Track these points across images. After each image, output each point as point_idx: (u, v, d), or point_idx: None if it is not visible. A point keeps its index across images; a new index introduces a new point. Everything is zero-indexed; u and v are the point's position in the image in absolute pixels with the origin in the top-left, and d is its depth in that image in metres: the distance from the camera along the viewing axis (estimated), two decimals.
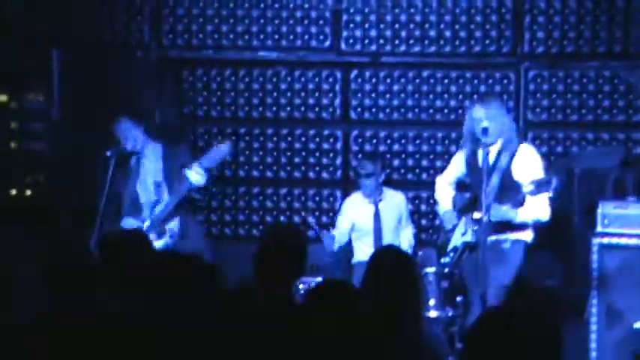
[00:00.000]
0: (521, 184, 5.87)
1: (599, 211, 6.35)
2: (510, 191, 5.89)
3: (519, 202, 5.95)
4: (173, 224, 6.34)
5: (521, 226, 6.12)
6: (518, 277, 6.20)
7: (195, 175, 6.19)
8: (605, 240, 6.30)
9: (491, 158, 6.07)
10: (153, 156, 6.49)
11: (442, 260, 6.32)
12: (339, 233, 7.10)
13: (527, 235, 6.20)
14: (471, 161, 6.21)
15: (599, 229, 6.33)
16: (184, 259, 3.88)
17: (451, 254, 6.22)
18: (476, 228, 5.99)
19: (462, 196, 6.39)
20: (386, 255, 4.25)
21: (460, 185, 6.51)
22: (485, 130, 5.99)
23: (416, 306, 4.03)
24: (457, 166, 6.40)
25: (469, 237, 6.13)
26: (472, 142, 6.17)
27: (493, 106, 6.13)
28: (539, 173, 6.00)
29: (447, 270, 6.34)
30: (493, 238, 6.01)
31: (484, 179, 5.93)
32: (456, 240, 6.26)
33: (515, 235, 6.14)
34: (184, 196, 6.33)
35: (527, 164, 6.05)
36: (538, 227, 6.22)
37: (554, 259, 7.22)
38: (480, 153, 6.11)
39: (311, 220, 7.21)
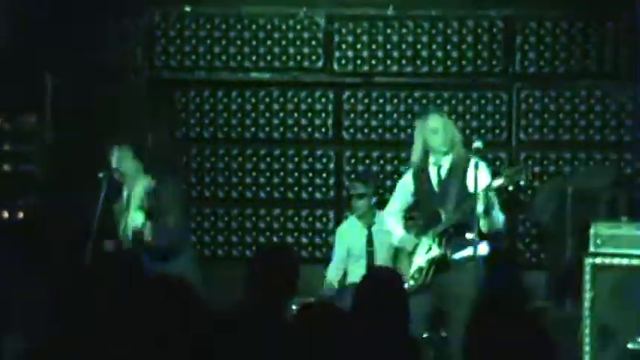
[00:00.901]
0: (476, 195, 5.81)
1: (591, 231, 6.36)
2: (466, 204, 5.85)
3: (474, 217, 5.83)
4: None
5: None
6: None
7: (135, 217, 6.28)
8: (598, 260, 6.30)
9: (444, 172, 6.09)
10: (138, 195, 6.44)
11: (407, 285, 5.96)
12: (334, 270, 7.10)
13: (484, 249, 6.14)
14: (423, 178, 6.13)
15: (591, 249, 6.34)
16: (167, 281, 3.92)
17: (416, 275, 6.08)
18: (460, 248, 5.98)
19: (420, 217, 6.26)
20: (377, 275, 4.29)
21: (406, 216, 6.43)
22: (446, 142, 6.00)
23: (404, 324, 4.08)
24: (403, 191, 6.28)
25: (436, 252, 6.03)
26: (423, 157, 6.11)
27: (445, 116, 6.19)
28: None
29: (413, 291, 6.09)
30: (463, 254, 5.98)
31: (450, 193, 5.93)
32: (419, 260, 6.13)
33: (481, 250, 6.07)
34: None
35: (480, 176, 5.91)
36: (493, 240, 6.20)
37: (546, 280, 7.27)
38: (434, 168, 6.09)
39: None
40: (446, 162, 6.09)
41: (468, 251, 5.89)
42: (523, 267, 7.66)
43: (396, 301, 4.09)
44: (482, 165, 6.02)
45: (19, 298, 6.25)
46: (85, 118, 7.40)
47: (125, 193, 6.52)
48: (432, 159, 6.11)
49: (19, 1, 7.38)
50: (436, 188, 6.09)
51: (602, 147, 7.61)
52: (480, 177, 5.87)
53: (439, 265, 6.03)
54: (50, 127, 7.40)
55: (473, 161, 5.92)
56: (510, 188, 5.88)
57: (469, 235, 5.92)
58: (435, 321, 6.29)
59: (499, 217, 6.02)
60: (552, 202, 7.09)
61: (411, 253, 6.19)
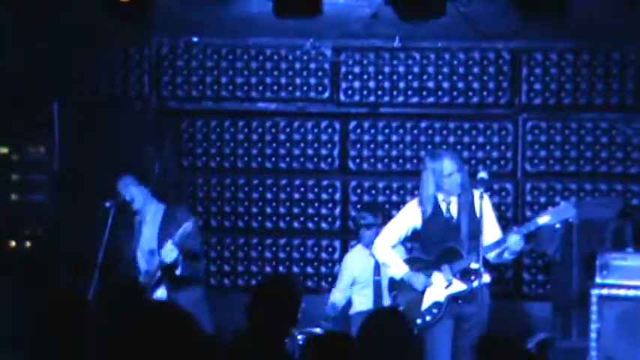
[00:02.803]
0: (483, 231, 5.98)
1: (597, 262, 6.49)
2: (476, 240, 5.95)
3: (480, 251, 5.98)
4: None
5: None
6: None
7: (168, 252, 6.29)
8: (604, 291, 6.40)
9: (454, 209, 6.20)
10: (152, 222, 6.54)
11: (421, 320, 6.19)
12: (339, 295, 7.16)
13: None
14: (434, 215, 6.21)
15: (597, 280, 6.45)
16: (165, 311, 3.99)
17: (434, 310, 6.17)
18: (473, 277, 6.10)
19: (428, 252, 6.30)
20: (381, 316, 4.34)
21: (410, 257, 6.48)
22: (461, 184, 6.11)
23: None
24: (405, 224, 6.32)
25: (458, 288, 6.16)
26: (435, 196, 6.20)
27: (457, 157, 6.30)
28: (495, 220, 6.20)
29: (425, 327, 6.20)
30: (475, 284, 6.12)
31: (463, 230, 6.06)
32: (436, 295, 6.21)
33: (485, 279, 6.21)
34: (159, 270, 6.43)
35: (488, 212, 6.15)
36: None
37: (552, 310, 7.31)
38: (443, 204, 6.21)
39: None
40: (454, 198, 6.22)
41: (476, 281, 6.04)
42: (529, 298, 7.71)
43: (401, 344, 4.10)
44: (486, 197, 6.14)
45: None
46: (92, 147, 7.51)
47: (137, 220, 6.59)
48: (441, 196, 6.23)
49: (25, 30, 7.46)
50: (448, 224, 6.19)
51: (609, 178, 7.68)
52: (484, 208, 6.00)
53: (459, 298, 6.15)
54: (58, 156, 7.50)
55: (478, 192, 6.05)
56: (557, 226, 6.04)
57: (474, 266, 6.06)
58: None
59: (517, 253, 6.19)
60: (558, 234, 7.12)
61: (418, 291, 6.25)
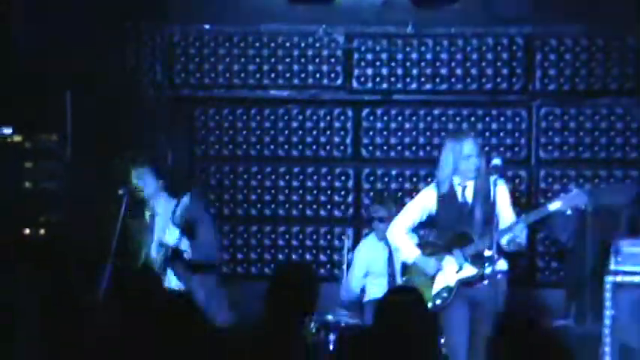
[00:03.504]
0: (501, 218, 6.06)
1: (612, 248, 6.43)
2: (489, 226, 6.01)
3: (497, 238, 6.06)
4: None
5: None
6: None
7: (169, 234, 6.33)
8: (619, 278, 6.34)
9: (469, 194, 6.23)
10: (164, 214, 6.53)
11: (431, 304, 6.16)
12: (354, 283, 7.22)
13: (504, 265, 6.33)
14: (449, 199, 6.26)
15: (612, 267, 6.39)
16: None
17: (444, 295, 6.20)
18: (485, 262, 6.14)
19: (440, 236, 6.35)
20: (398, 294, 4.37)
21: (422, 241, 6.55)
22: (477, 167, 6.15)
23: (429, 345, 4.14)
24: (421, 208, 6.37)
25: (469, 273, 6.19)
26: (452, 178, 6.24)
27: (478, 142, 6.33)
28: (510, 207, 6.23)
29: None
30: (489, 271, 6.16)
31: (477, 215, 6.10)
32: (447, 279, 6.25)
33: (501, 266, 6.26)
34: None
35: (503, 199, 6.19)
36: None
37: (566, 298, 7.33)
38: (459, 189, 6.25)
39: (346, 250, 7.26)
40: (470, 183, 6.25)
41: (489, 267, 6.09)
42: (543, 285, 7.73)
43: (420, 323, 4.11)
44: (501, 182, 6.19)
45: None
46: (104, 135, 7.51)
47: (147, 212, 6.63)
48: (457, 180, 6.26)
49: (39, 19, 7.50)
50: (462, 209, 6.23)
51: (623, 164, 7.68)
52: (498, 195, 6.04)
53: (470, 282, 6.18)
54: (71, 144, 7.47)
55: (492, 179, 6.08)
56: (568, 213, 6.06)
57: (488, 253, 6.11)
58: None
59: (525, 239, 6.23)
60: (572, 220, 7.12)
61: (429, 275, 6.29)
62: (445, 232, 6.31)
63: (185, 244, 6.37)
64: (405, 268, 6.45)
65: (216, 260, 6.71)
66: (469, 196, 6.25)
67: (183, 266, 6.44)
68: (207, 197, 7.66)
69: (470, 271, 6.20)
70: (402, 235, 6.42)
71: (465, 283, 6.21)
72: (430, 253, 6.33)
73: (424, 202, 6.38)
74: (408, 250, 6.39)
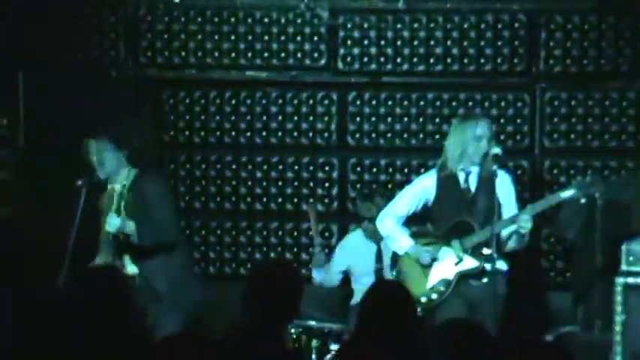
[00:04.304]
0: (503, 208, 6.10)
1: (623, 247, 6.45)
2: (491, 218, 5.98)
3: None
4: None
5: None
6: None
7: (110, 220, 6.36)
8: (631, 280, 6.37)
9: (472, 181, 6.22)
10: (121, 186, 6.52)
11: (426, 298, 6.21)
12: (332, 273, 7.20)
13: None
14: (450, 184, 6.24)
15: (623, 267, 6.42)
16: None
17: (441, 288, 6.17)
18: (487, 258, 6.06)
19: (441, 225, 6.30)
20: (383, 287, 4.48)
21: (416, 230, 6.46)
22: (486, 152, 6.12)
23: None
24: (419, 195, 6.33)
25: (469, 265, 6.14)
26: (458, 162, 6.21)
27: (490, 126, 6.30)
28: (514, 203, 6.25)
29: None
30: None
31: (479, 203, 6.11)
32: (444, 272, 6.21)
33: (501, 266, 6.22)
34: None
35: (507, 192, 6.21)
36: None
37: (573, 302, 7.30)
38: (461, 174, 6.23)
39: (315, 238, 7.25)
40: (474, 169, 6.21)
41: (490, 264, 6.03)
42: (548, 287, 7.70)
43: (403, 318, 4.14)
44: (504, 174, 6.23)
45: None
46: (61, 121, 7.45)
47: (108, 193, 6.56)
48: (461, 164, 6.21)
49: None
50: (464, 196, 6.22)
51: (636, 154, 7.63)
52: (501, 187, 6.05)
53: (470, 276, 6.14)
54: (24, 130, 7.44)
55: (500, 173, 6.11)
56: (583, 201, 6.07)
57: (487, 251, 6.08)
58: None
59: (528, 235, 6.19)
60: (580, 216, 7.09)
61: (425, 266, 6.27)
62: (443, 221, 6.25)
63: (130, 228, 6.32)
64: (396, 259, 6.43)
65: (176, 239, 6.57)
66: (472, 183, 6.22)
67: (135, 253, 6.40)
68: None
69: (470, 263, 6.15)
70: (393, 224, 6.37)
71: (464, 278, 6.13)
72: (425, 244, 6.28)
73: (422, 188, 6.34)
74: (400, 240, 6.34)
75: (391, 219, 6.38)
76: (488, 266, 6.07)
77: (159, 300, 6.33)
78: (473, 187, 6.22)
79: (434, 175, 6.31)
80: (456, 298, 6.14)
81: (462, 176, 6.23)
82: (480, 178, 6.19)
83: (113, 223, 6.34)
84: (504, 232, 6.12)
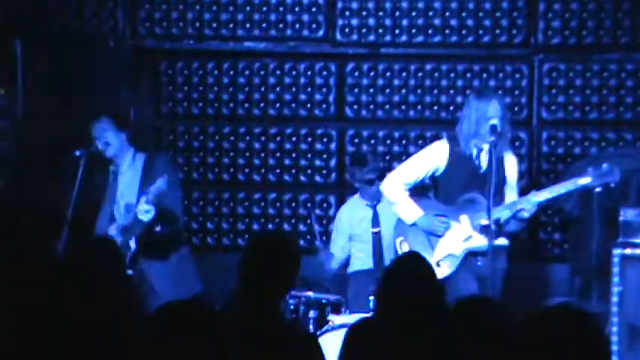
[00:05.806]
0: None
1: (620, 219, 6.44)
2: (500, 195, 6.01)
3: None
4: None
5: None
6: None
7: (143, 212, 6.20)
8: (628, 251, 6.37)
9: (484, 157, 6.18)
10: (128, 173, 6.45)
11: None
12: (338, 251, 7.07)
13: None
14: (462, 159, 6.20)
15: (620, 238, 6.41)
16: None
17: (449, 262, 6.15)
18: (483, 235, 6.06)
19: (449, 199, 6.26)
20: (405, 259, 4.43)
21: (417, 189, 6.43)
22: (494, 128, 6.07)
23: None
24: (428, 165, 6.27)
25: (478, 242, 6.12)
26: (471, 138, 6.18)
27: (503, 103, 6.28)
28: (515, 184, 6.28)
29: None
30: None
31: (491, 180, 6.00)
32: (451, 248, 6.21)
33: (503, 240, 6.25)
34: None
35: (512, 172, 6.25)
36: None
37: (571, 273, 7.31)
38: (474, 151, 6.20)
39: (314, 222, 7.19)
40: (485, 147, 6.17)
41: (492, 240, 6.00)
42: (545, 259, 7.70)
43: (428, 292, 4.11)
44: (510, 155, 6.28)
45: None
46: (59, 91, 7.44)
47: (112, 170, 6.52)
48: (474, 140, 6.18)
49: None
50: (475, 172, 6.18)
51: (634, 126, 7.62)
52: (513, 171, 6.19)
53: (478, 254, 6.12)
54: (22, 101, 7.42)
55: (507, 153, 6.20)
56: (598, 190, 6.07)
57: (484, 222, 6.05)
58: None
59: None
60: None
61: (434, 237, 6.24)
62: (451, 196, 6.22)
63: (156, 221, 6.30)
64: (401, 228, 6.34)
65: (182, 229, 6.61)
66: (484, 160, 6.17)
67: (153, 240, 6.36)
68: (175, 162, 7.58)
69: (479, 240, 6.11)
70: (402, 190, 6.28)
71: (471, 254, 6.12)
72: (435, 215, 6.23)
73: (433, 158, 6.26)
74: (408, 207, 6.26)
75: (399, 185, 6.29)
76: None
77: (156, 294, 6.28)
78: (484, 165, 6.16)
79: (446, 146, 6.25)
80: (466, 272, 6.12)
81: (474, 152, 6.19)
82: (492, 154, 6.11)
83: (147, 215, 6.18)
84: (505, 214, 6.10)
